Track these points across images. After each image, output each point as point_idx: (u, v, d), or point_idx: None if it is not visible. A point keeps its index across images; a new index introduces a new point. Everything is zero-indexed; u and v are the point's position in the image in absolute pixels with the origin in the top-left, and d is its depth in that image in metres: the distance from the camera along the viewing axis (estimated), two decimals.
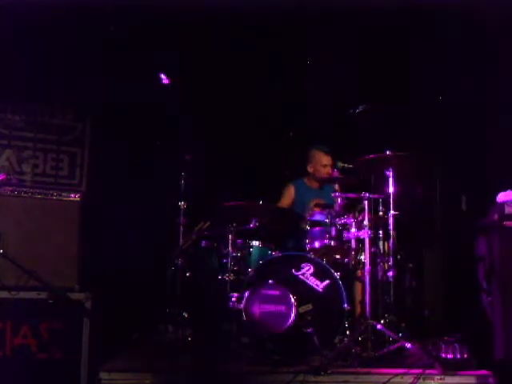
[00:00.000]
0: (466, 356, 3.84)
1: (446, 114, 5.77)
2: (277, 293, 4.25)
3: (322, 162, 5.40)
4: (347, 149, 5.62)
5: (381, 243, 4.76)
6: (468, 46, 5.49)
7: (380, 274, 4.64)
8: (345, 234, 4.63)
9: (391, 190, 4.49)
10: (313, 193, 5.44)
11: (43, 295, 4.21)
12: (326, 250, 4.67)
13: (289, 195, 5.52)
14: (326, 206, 4.97)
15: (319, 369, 3.76)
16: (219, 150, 5.94)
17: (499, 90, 5.30)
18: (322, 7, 5.28)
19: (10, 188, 4.62)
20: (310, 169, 5.54)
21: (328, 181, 5.33)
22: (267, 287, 4.28)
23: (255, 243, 4.81)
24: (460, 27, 5.51)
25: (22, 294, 4.19)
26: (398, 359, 4.06)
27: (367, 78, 6.01)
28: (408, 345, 4.06)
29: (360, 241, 4.60)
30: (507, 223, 4.10)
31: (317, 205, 5.14)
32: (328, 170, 5.38)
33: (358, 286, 4.75)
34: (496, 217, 4.13)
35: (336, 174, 4.95)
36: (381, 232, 4.74)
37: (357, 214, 4.65)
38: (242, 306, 4.29)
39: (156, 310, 4.76)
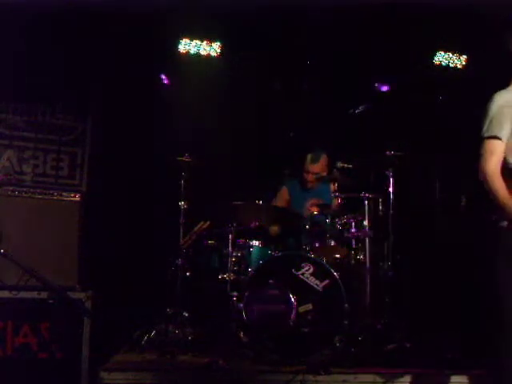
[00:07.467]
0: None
1: (445, 114, 5.78)
2: (277, 292, 4.25)
3: (306, 169, 5.35)
4: (347, 149, 5.62)
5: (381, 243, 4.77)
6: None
7: (380, 273, 4.64)
8: (345, 234, 4.63)
9: (391, 189, 4.49)
10: (309, 193, 5.40)
11: (44, 295, 4.21)
12: (326, 250, 4.67)
13: (282, 197, 5.48)
14: (324, 206, 4.96)
15: (319, 369, 3.77)
16: (219, 150, 5.94)
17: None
18: (322, 6, 5.27)
19: (11, 188, 4.63)
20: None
21: (321, 181, 5.30)
22: (267, 287, 4.28)
23: (255, 243, 4.80)
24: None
25: (23, 294, 4.20)
26: (398, 359, 4.06)
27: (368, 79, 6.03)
28: (408, 344, 4.07)
29: (360, 241, 4.60)
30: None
31: (314, 205, 5.12)
32: (312, 178, 5.29)
33: (358, 285, 4.75)
34: None
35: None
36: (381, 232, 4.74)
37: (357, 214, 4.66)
38: (242, 305, 4.29)
39: (156, 309, 4.76)
